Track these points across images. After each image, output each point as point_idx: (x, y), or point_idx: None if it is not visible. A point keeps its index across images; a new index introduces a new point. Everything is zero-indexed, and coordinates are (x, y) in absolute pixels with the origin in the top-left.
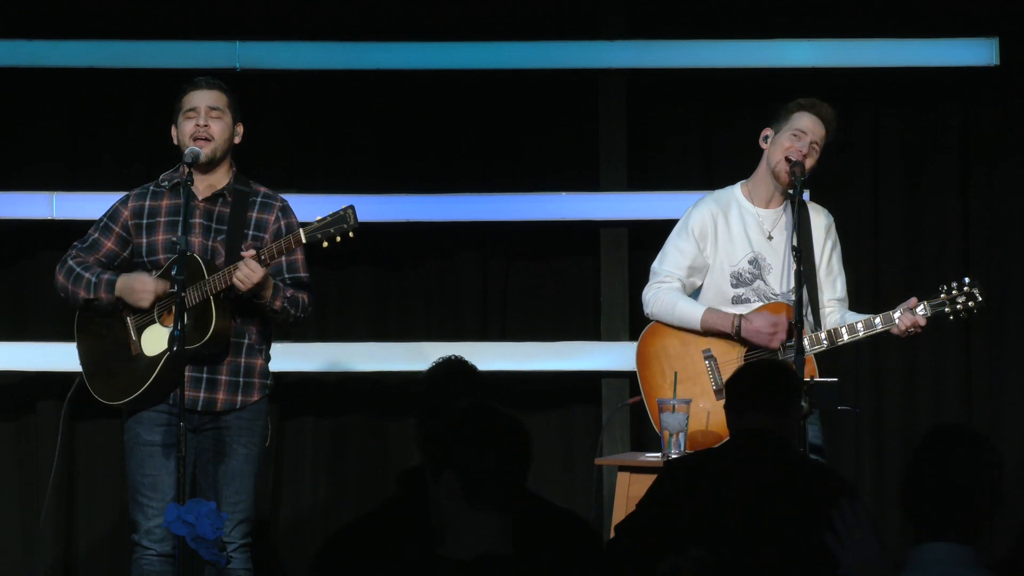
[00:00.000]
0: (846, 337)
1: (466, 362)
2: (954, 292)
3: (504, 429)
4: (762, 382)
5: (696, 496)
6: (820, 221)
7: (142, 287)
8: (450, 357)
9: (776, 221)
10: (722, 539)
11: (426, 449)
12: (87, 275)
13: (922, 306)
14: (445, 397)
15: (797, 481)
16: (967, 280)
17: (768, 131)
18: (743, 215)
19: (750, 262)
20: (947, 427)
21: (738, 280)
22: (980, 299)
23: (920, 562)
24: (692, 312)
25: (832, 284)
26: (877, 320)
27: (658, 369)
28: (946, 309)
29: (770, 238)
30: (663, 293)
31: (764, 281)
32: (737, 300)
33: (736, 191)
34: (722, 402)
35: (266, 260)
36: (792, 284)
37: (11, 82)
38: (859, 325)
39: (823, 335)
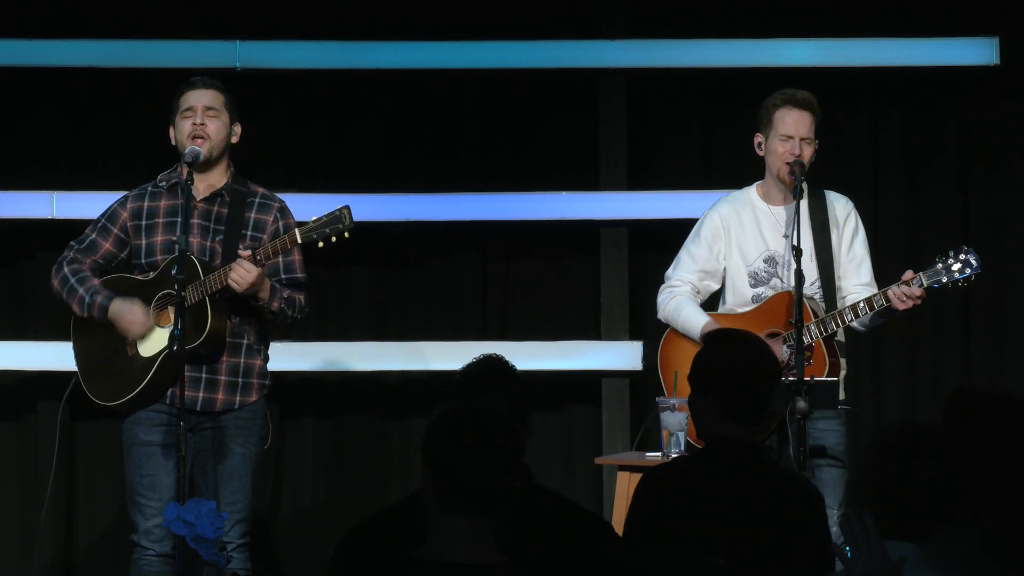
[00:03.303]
0: (849, 317)
1: (505, 361)
2: (949, 260)
3: (483, 431)
4: (744, 385)
5: (672, 504)
6: (838, 210)
7: (132, 319)
8: (490, 355)
9: (791, 218)
10: (695, 547)
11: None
12: (80, 290)
13: (917, 277)
14: (477, 395)
15: (769, 492)
16: (964, 248)
17: (759, 137)
18: (757, 215)
19: (765, 261)
20: (910, 427)
21: (755, 279)
22: (975, 265)
23: None
24: (694, 323)
25: (856, 270)
26: (878, 297)
27: (682, 374)
28: (943, 279)
29: (785, 236)
30: (672, 299)
31: (780, 278)
32: (757, 299)
33: (752, 191)
34: None
35: (262, 260)
36: (815, 276)
37: (11, 82)
38: (861, 303)
39: (829, 319)
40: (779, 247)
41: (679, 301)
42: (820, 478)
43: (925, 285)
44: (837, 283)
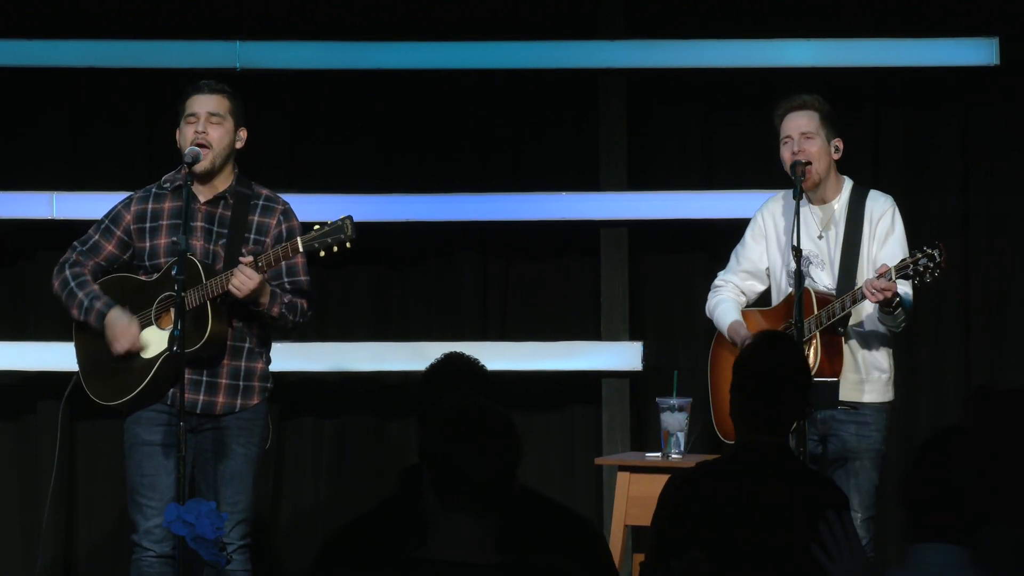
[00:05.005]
0: (838, 311)
1: (469, 358)
2: (918, 254)
3: (486, 427)
4: (779, 397)
5: (698, 506)
6: (874, 209)
7: (122, 333)
8: (451, 353)
9: (828, 217)
10: (721, 550)
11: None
12: (80, 295)
13: (889, 271)
14: (444, 392)
15: (798, 493)
16: (936, 243)
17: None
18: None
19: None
20: (951, 429)
21: (792, 278)
22: (939, 259)
23: (917, 563)
24: (723, 321)
25: None
26: (859, 290)
27: (720, 373)
28: (909, 272)
29: (820, 236)
30: (712, 299)
31: (812, 277)
32: None
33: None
34: None
35: (263, 267)
36: (836, 275)
37: (11, 82)
38: (846, 297)
39: (822, 313)
40: (813, 246)
41: (718, 300)
42: (845, 480)
43: (894, 279)
44: None
